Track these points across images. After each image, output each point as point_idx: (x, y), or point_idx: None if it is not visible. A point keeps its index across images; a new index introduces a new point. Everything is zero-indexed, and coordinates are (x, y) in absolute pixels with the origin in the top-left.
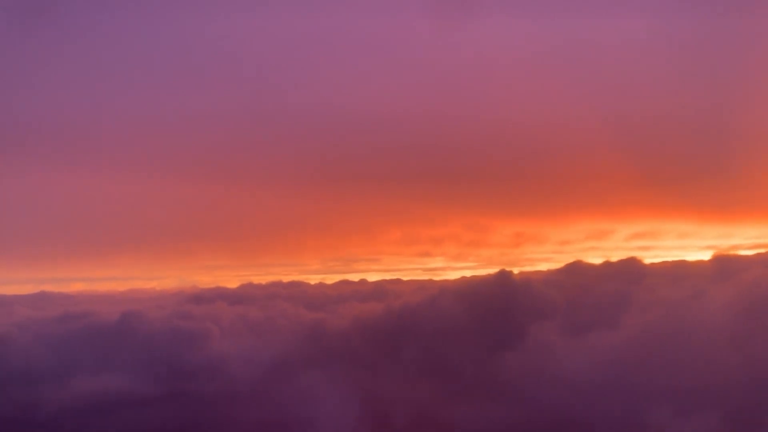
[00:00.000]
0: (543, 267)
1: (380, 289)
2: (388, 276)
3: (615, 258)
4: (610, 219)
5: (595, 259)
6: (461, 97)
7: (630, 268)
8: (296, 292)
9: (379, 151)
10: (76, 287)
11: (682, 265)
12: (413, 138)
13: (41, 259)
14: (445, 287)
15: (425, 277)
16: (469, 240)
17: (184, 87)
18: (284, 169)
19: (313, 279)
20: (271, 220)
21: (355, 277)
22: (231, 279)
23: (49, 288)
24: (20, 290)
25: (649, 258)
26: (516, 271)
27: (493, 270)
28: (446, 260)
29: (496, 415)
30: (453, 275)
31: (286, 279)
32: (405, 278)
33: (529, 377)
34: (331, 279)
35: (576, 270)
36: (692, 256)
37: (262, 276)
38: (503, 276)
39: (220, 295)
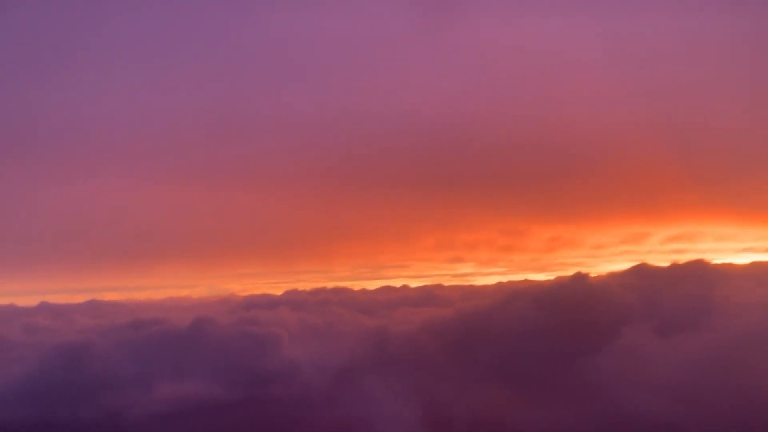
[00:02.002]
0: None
1: (428, 295)
2: (418, 282)
3: (666, 260)
4: (647, 222)
5: (632, 262)
6: (497, 100)
7: (700, 269)
8: (345, 298)
9: (412, 156)
10: (109, 296)
11: (759, 266)
12: (447, 142)
13: (69, 268)
14: (518, 290)
15: (456, 282)
16: (503, 245)
17: (213, 95)
18: (315, 175)
19: (344, 285)
20: (302, 227)
21: (383, 284)
22: (261, 287)
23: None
24: (59, 300)
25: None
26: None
27: (526, 275)
28: (476, 266)
29: (579, 419)
30: (485, 281)
31: (329, 285)
32: (446, 284)
33: (616, 380)
34: (362, 285)
35: (644, 272)
36: (731, 259)
37: (291, 283)
38: (579, 278)
39: (271, 301)
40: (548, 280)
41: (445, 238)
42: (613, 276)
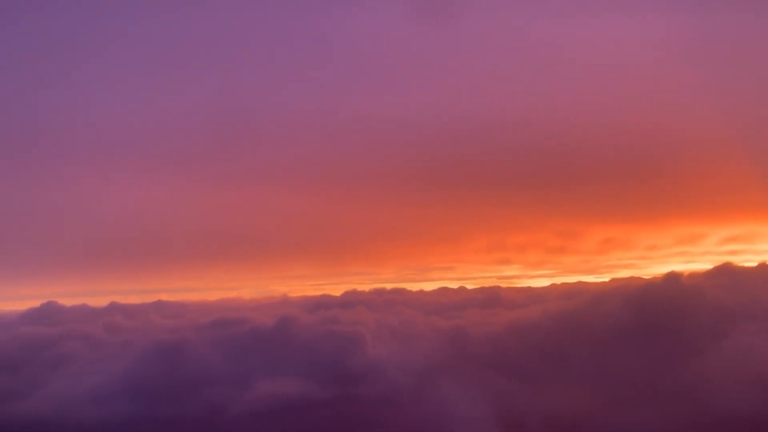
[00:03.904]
0: (626, 274)
1: (492, 296)
2: (463, 284)
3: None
4: (702, 222)
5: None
6: (549, 100)
7: None
8: (408, 299)
9: (462, 157)
10: (163, 297)
11: None
12: (498, 143)
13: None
14: (605, 291)
15: (503, 284)
16: (554, 247)
17: (256, 96)
18: (362, 177)
19: (398, 287)
20: (348, 229)
21: (432, 285)
22: (307, 288)
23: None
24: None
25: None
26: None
27: (578, 277)
28: (523, 268)
29: (676, 420)
30: (535, 283)
31: (383, 286)
32: (503, 285)
33: (724, 381)
34: (409, 287)
35: (730, 272)
36: None
37: (337, 284)
38: (673, 278)
39: (342, 302)
40: (641, 280)
41: (495, 239)
42: (700, 276)
